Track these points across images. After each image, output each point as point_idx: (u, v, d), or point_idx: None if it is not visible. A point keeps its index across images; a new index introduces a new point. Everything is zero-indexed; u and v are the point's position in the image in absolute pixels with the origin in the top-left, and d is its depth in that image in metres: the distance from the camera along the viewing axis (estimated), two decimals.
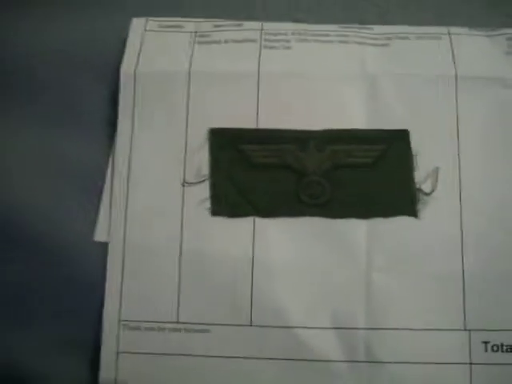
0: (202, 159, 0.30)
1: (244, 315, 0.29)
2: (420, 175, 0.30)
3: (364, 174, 0.30)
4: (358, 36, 0.32)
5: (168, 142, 0.30)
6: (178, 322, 0.29)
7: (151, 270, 0.29)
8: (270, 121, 0.30)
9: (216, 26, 0.32)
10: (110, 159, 0.31)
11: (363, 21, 0.33)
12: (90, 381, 0.29)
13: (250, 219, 0.29)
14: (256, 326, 0.28)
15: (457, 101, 0.30)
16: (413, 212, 0.29)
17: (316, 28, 0.32)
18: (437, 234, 0.29)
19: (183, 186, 0.30)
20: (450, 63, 0.31)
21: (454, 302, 0.28)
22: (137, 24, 0.33)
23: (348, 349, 0.28)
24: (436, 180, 0.29)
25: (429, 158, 0.30)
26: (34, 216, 0.30)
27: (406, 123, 0.30)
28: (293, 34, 0.32)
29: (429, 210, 0.29)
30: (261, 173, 0.30)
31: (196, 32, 0.32)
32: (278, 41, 0.32)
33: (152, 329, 0.29)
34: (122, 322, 0.29)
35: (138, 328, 0.29)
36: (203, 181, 0.30)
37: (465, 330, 0.28)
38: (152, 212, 0.30)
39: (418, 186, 0.30)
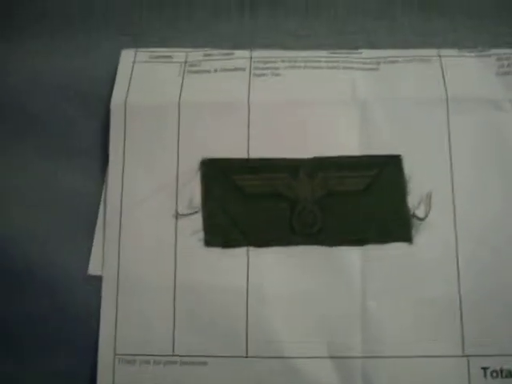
0: (194, 190, 0.30)
1: (239, 346, 0.28)
2: (413, 200, 0.29)
3: (356, 201, 0.29)
4: (347, 61, 0.32)
5: (159, 174, 0.30)
6: (173, 355, 0.28)
7: (146, 303, 0.29)
8: (261, 150, 0.30)
9: (206, 55, 0.32)
10: (103, 192, 0.31)
11: (352, 46, 0.33)
12: None
13: (243, 249, 0.29)
14: (252, 357, 0.28)
15: (448, 124, 0.30)
16: (407, 238, 0.29)
17: (305, 54, 0.32)
18: (432, 259, 0.29)
19: (176, 217, 0.30)
20: (440, 86, 0.31)
21: (452, 327, 0.28)
22: (126, 55, 0.33)
23: (345, 378, 0.28)
24: (429, 204, 0.29)
25: (422, 182, 0.29)
26: (27, 249, 0.30)
27: (397, 148, 0.30)
28: (282, 61, 0.32)
29: (423, 235, 0.29)
30: (253, 202, 0.30)
31: (186, 62, 0.32)
32: (267, 68, 0.31)
33: (148, 362, 0.28)
34: (118, 356, 0.29)
35: (133, 362, 0.28)
36: (196, 212, 0.30)
37: (463, 355, 0.28)
38: (145, 244, 0.30)
39: (411, 211, 0.29)
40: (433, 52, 0.32)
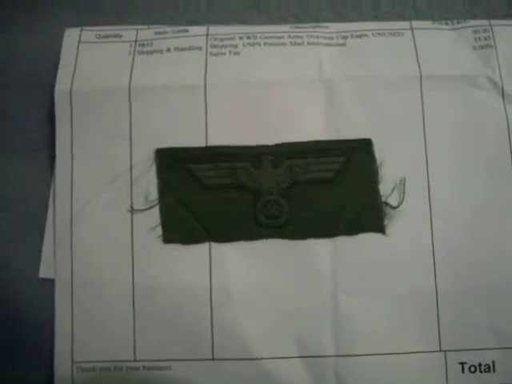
0: (149, 183, 0.28)
1: (205, 349, 0.27)
2: (385, 187, 0.28)
3: (324, 190, 0.28)
4: (311, 36, 0.29)
5: (111, 166, 0.28)
6: (135, 361, 0.27)
7: (103, 306, 0.27)
8: (220, 137, 0.28)
9: (158, 33, 0.30)
10: (51, 187, 0.29)
11: (318, 18, 0.30)
12: None
13: (205, 245, 0.28)
14: (218, 359, 0.27)
15: (422, 103, 0.28)
16: (379, 228, 0.27)
17: (266, 29, 0.30)
18: (406, 250, 0.27)
19: (131, 213, 0.28)
20: (413, 62, 0.29)
21: (428, 321, 0.27)
22: (70, 35, 0.30)
23: (318, 378, 0.27)
24: (403, 192, 0.28)
25: (394, 168, 0.28)
26: None
27: (367, 131, 0.28)
28: (240, 37, 0.29)
29: (397, 224, 0.27)
30: (214, 194, 0.28)
31: (136, 41, 0.30)
32: (225, 46, 0.29)
33: (108, 369, 0.27)
34: (76, 364, 0.27)
35: (92, 369, 0.27)
36: (152, 206, 0.28)
37: (440, 351, 0.27)
38: (99, 244, 0.28)
39: (383, 199, 0.28)
40: (405, 25, 0.30)
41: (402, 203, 0.27)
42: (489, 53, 0.29)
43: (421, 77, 0.28)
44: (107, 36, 0.30)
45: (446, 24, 0.30)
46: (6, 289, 0.28)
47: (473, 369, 0.27)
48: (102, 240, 0.28)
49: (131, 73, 0.29)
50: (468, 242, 0.27)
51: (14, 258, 0.28)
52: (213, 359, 0.27)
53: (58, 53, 0.29)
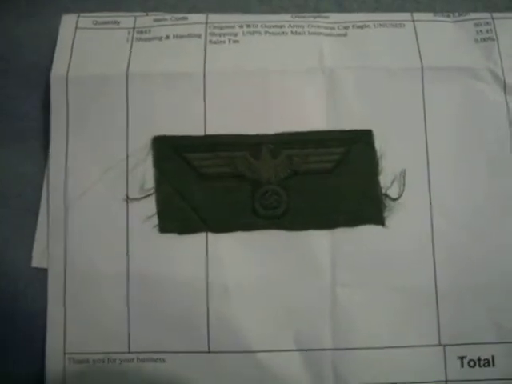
0: (146, 171, 0.28)
1: (201, 341, 0.27)
2: (386, 179, 0.27)
3: (324, 181, 0.27)
4: (312, 26, 0.29)
5: (107, 154, 0.28)
6: (129, 352, 0.27)
7: (97, 297, 0.27)
8: (218, 125, 0.28)
9: (156, 21, 0.29)
10: (46, 175, 0.28)
11: (319, 8, 0.30)
12: None
13: (201, 235, 0.27)
14: (214, 352, 0.26)
15: (423, 95, 0.28)
16: (379, 220, 0.27)
17: (266, 19, 0.29)
18: (406, 243, 0.27)
19: (127, 201, 0.27)
20: (414, 53, 0.28)
21: (427, 315, 0.27)
22: (67, 21, 0.29)
23: (315, 372, 0.26)
24: (403, 184, 0.27)
25: (394, 159, 0.27)
26: None
27: (368, 122, 0.28)
28: (240, 26, 0.29)
29: (396, 217, 0.27)
30: (211, 184, 0.27)
31: (134, 28, 0.29)
32: (224, 34, 0.29)
33: (101, 361, 0.27)
34: (68, 355, 0.27)
35: (85, 361, 0.27)
36: (149, 195, 0.27)
37: (439, 345, 0.27)
38: (94, 233, 0.27)
39: (383, 191, 0.27)
40: (406, 16, 0.29)
41: (401, 195, 0.27)
42: (491, 46, 0.29)
43: (422, 68, 0.28)
44: (105, 22, 0.29)
45: (448, 16, 0.29)
46: (0, 277, 0.27)
47: (472, 363, 0.26)
48: (97, 229, 0.27)
49: (129, 59, 0.28)
50: (468, 236, 0.27)
51: (7, 247, 0.28)
52: (209, 352, 0.26)
53: (55, 39, 0.29)
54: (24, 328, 0.27)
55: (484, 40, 0.29)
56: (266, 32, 0.29)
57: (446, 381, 0.26)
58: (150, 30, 0.29)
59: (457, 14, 0.29)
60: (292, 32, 0.29)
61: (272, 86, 0.28)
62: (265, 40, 0.29)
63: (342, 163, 0.27)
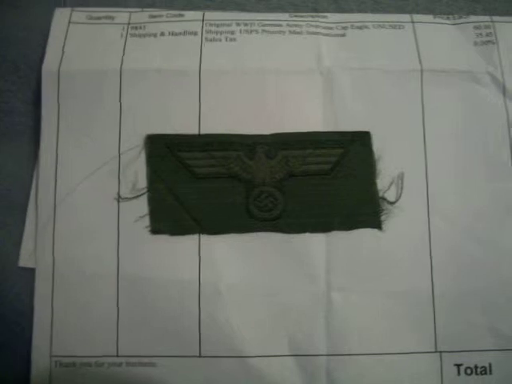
0: (138, 170, 0.27)
1: (192, 345, 0.26)
2: (383, 182, 0.27)
3: (320, 183, 0.27)
4: (311, 25, 0.29)
5: (99, 152, 0.27)
6: (118, 356, 0.26)
7: (85, 299, 0.26)
8: (213, 124, 0.27)
9: (152, 17, 0.29)
10: (35, 172, 0.28)
11: (317, 8, 0.30)
12: None
13: (194, 237, 0.27)
14: (206, 356, 0.26)
15: (422, 97, 0.28)
16: (376, 224, 0.27)
17: (264, 17, 0.29)
18: (403, 247, 0.27)
19: (118, 201, 0.27)
20: (413, 55, 0.28)
21: (424, 321, 0.26)
22: (60, 15, 0.29)
23: (309, 378, 0.26)
24: (401, 187, 0.27)
25: (392, 162, 0.27)
26: None
27: (366, 124, 0.27)
28: (238, 24, 0.29)
29: (394, 220, 0.27)
30: (205, 184, 0.27)
31: (129, 24, 0.29)
32: (221, 32, 0.28)
33: (89, 364, 0.26)
34: (54, 358, 0.26)
35: (72, 364, 0.26)
36: (141, 195, 0.27)
37: (436, 351, 0.26)
38: (83, 232, 0.27)
39: (381, 194, 0.27)
40: (405, 17, 0.29)
41: (399, 199, 0.27)
42: (490, 49, 0.28)
43: (421, 70, 0.28)
44: (99, 18, 0.29)
45: (448, 19, 0.29)
46: None
47: (469, 371, 0.26)
48: (86, 229, 0.27)
49: (123, 55, 0.28)
50: (466, 240, 0.27)
51: None
52: (200, 356, 0.26)
53: (47, 33, 0.28)
54: (9, 329, 0.26)
55: (484, 43, 0.29)
56: (263, 31, 0.28)
57: None
58: (144, 26, 0.29)
59: (457, 16, 0.29)
60: (290, 31, 0.29)
61: (269, 85, 0.28)
62: (262, 39, 0.28)
63: (339, 165, 0.27)
